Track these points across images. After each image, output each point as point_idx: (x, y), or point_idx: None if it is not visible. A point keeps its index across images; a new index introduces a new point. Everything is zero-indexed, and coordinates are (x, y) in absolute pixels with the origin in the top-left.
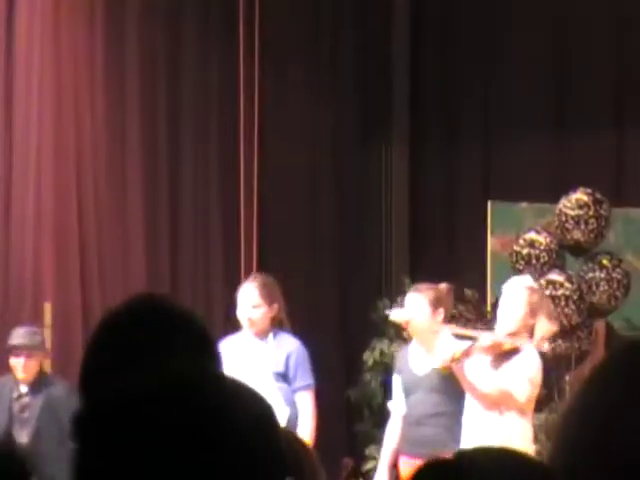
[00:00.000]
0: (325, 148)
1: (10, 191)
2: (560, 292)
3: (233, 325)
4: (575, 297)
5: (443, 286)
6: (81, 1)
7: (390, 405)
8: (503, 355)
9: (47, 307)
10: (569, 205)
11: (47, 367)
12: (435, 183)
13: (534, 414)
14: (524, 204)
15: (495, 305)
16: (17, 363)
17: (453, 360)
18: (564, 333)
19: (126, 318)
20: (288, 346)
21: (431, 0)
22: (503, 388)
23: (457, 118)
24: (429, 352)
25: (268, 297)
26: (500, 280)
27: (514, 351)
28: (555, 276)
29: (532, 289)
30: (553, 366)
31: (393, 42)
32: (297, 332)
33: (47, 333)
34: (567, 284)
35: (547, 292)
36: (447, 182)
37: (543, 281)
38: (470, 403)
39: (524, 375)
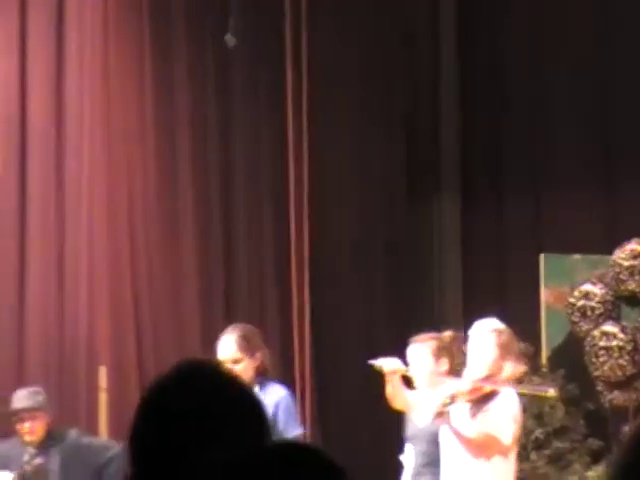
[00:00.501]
0: (377, 205)
1: (63, 253)
2: (614, 343)
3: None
4: (629, 348)
5: (447, 334)
6: (131, 65)
7: (401, 458)
8: (482, 399)
9: (102, 370)
10: (623, 256)
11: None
12: (487, 235)
13: (517, 458)
14: (577, 256)
15: (550, 359)
16: (22, 427)
17: (443, 408)
18: (619, 384)
19: (174, 383)
20: (274, 396)
21: (479, 58)
22: (488, 432)
23: (507, 170)
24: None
25: (248, 349)
26: (554, 333)
27: (492, 394)
28: (609, 327)
29: (499, 330)
30: (611, 417)
31: (442, 93)
32: (352, 391)
33: (102, 396)
34: (621, 335)
35: (601, 343)
36: (499, 234)
37: (597, 332)
38: (448, 451)
39: (508, 416)
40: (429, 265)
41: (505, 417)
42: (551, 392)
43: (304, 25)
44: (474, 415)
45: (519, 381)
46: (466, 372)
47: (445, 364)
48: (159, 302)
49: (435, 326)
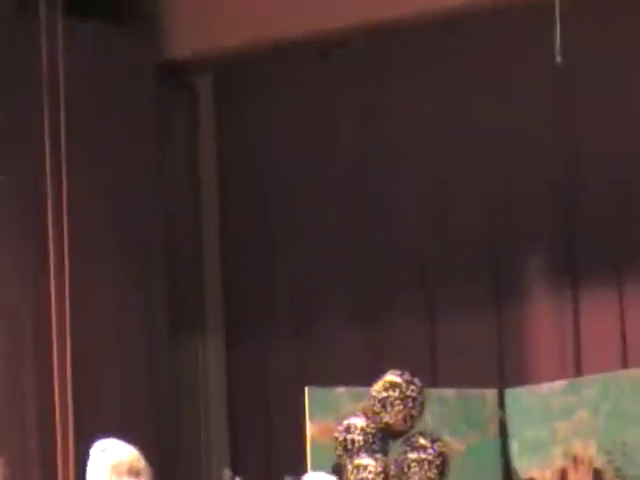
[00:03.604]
0: (138, 342)
1: None
2: (363, 475)
3: None
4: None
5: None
6: None
7: None
8: None
9: None
10: (377, 388)
11: None
12: (252, 374)
13: None
14: (341, 389)
15: None
16: None
17: None
18: None
19: None
20: None
21: (241, 191)
22: None
23: (271, 304)
24: None
25: None
26: (320, 467)
27: None
28: (362, 460)
29: (110, 450)
30: None
31: (204, 238)
32: None
33: None
34: (371, 467)
35: (352, 477)
36: (264, 371)
37: (350, 466)
38: None
39: None
40: (195, 407)
41: None
42: None
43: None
44: None
45: None
46: None
47: None
48: None
49: (200, 466)
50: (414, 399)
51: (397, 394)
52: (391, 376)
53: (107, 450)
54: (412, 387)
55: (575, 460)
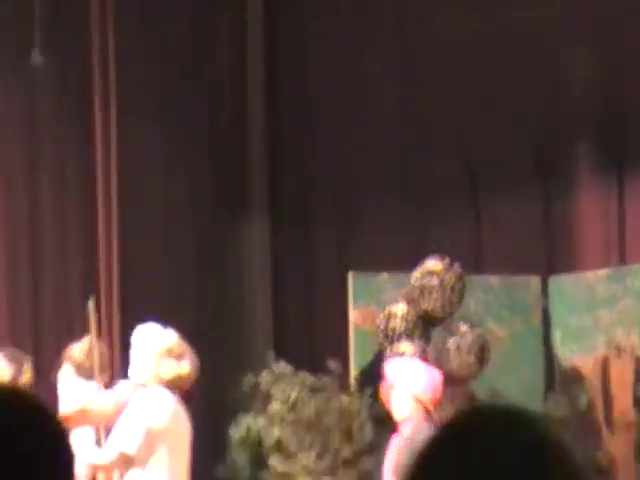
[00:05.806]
0: (184, 225)
1: None
2: None
3: None
4: None
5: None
6: None
7: None
8: None
9: None
10: (417, 275)
11: None
12: (296, 255)
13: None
14: (385, 275)
15: (358, 378)
16: None
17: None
18: None
19: None
20: None
21: (286, 80)
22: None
23: (315, 188)
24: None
25: None
26: (363, 352)
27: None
28: (401, 346)
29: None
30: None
31: (248, 119)
32: None
33: None
34: (408, 353)
35: None
36: (308, 253)
37: (389, 352)
38: None
39: (131, 424)
40: (238, 289)
41: (128, 427)
42: None
43: (111, 51)
44: None
45: None
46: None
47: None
48: None
49: (244, 347)
50: (452, 286)
51: (436, 281)
52: (430, 263)
53: (147, 335)
54: (451, 274)
55: (618, 348)
